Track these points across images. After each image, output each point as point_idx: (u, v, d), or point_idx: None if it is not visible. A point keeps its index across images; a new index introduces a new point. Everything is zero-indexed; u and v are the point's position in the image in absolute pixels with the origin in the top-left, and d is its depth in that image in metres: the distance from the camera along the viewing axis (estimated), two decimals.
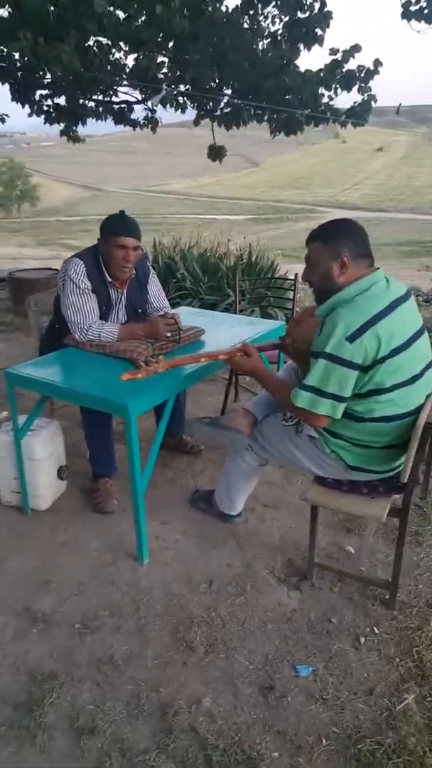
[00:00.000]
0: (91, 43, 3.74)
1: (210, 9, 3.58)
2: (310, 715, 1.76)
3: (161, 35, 3.92)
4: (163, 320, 2.66)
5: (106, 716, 1.75)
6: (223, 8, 3.87)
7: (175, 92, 4.41)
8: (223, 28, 3.81)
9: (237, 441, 2.33)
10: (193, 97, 4.51)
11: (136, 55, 4.18)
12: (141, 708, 1.78)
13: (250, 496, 2.77)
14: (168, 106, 4.40)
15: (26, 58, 3.22)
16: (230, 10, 3.84)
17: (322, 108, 4.53)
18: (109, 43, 3.98)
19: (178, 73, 4.43)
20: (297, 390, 1.91)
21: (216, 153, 4.97)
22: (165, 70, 4.51)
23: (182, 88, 4.50)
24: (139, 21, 3.22)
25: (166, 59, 4.45)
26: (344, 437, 2.01)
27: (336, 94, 4.54)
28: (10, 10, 3.22)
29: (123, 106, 5.18)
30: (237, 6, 3.92)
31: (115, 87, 4.69)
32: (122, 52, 4.27)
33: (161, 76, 4.40)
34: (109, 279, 2.73)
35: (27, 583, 2.29)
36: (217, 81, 4.43)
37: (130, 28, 3.21)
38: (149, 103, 4.60)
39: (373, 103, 4.65)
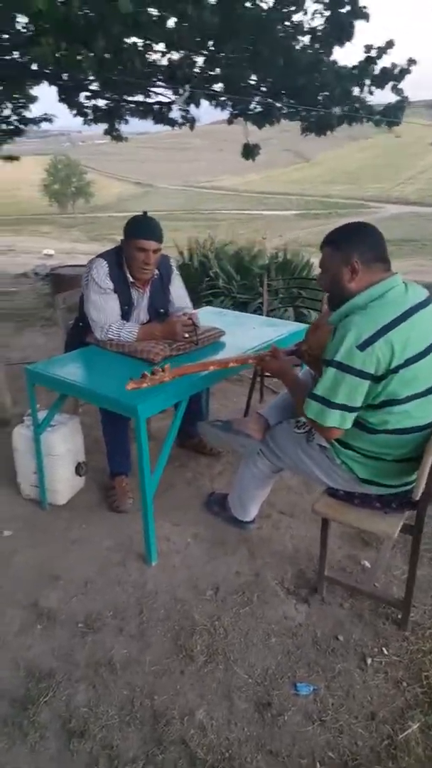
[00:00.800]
0: (127, 44, 3.70)
1: (248, 4, 3.49)
2: (305, 737, 1.70)
3: (197, 36, 3.87)
4: (180, 321, 2.63)
5: (98, 720, 1.73)
6: (264, 5, 3.76)
7: (205, 91, 4.37)
8: (260, 25, 3.72)
9: (247, 446, 2.28)
10: (226, 95, 4.45)
11: (168, 55, 4.16)
12: (134, 715, 1.76)
13: (266, 501, 2.72)
14: (206, 103, 4.39)
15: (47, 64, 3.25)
16: (269, 6, 3.73)
17: (357, 106, 4.39)
18: (143, 44, 3.95)
19: (209, 72, 4.37)
20: (307, 399, 1.85)
21: (249, 152, 4.89)
22: (197, 69, 4.46)
23: (217, 86, 4.45)
24: (171, 21, 3.17)
25: (200, 58, 4.39)
26: (355, 448, 1.93)
27: (370, 92, 4.40)
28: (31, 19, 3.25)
29: (160, 105, 5.18)
30: (275, 3, 3.81)
31: (148, 88, 4.68)
32: (159, 53, 4.24)
33: (194, 75, 4.34)
34: (131, 279, 2.72)
35: (37, 578, 2.31)
36: (251, 80, 4.35)
37: (163, 28, 3.17)
38: (176, 103, 4.58)
39: (406, 103, 4.49)
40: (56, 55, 2.95)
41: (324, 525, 2.14)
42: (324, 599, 2.21)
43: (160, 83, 4.46)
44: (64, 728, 1.72)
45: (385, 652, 1.99)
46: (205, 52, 4.24)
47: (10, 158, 6.59)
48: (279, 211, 54.42)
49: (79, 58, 2.94)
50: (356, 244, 1.83)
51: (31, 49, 3.21)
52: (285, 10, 3.98)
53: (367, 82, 4.30)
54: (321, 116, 4.47)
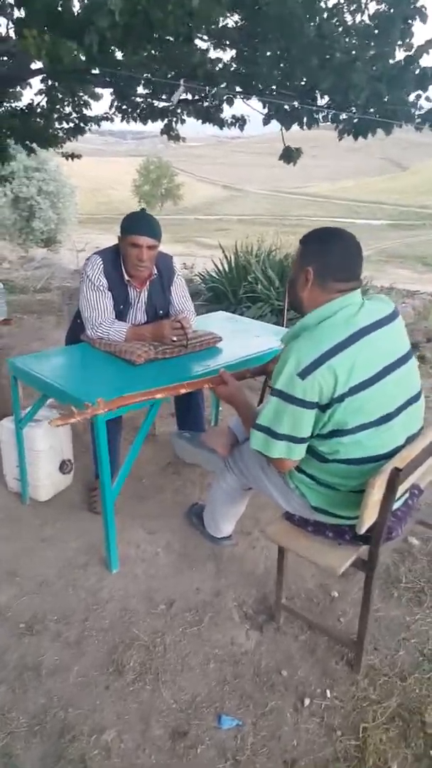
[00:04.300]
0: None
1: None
2: None
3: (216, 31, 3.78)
4: (169, 323, 2.56)
5: (6, 726, 1.69)
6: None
7: (220, 91, 4.27)
8: (288, 25, 3.54)
9: (211, 461, 2.18)
10: (263, 97, 4.31)
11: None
12: (43, 725, 1.70)
13: (252, 518, 2.61)
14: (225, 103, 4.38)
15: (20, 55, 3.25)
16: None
17: (406, 108, 4.08)
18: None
19: (239, 72, 4.24)
20: (252, 429, 1.73)
21: (288, 155, 4.72)
22: (220, 66, 4.34)
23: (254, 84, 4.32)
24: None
25: (228, 55, 4.29)
26: (308, 474, 1.79)
27: (407, 94, 4.09)
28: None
29: (212, 105, 5.12)
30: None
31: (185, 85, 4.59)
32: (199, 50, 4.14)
33: (218, 73, 4.23)
34: (127, 278, 2.68)
35: None
36: (279, 80, 4.17)
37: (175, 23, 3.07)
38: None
39: None
40: (41, 50, 2.95)
41: (281, 550, 2.00)
42: (280, 628, 2.07)
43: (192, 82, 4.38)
44: None
45: (328, 694, 1.82)
46: (225, 50, 4.13)
47: (72, 156, 6.73)
48: (371, 220, 53.21)
49: (63, 52, 2.92)
50: (317, 255, 1.69)
51: (17, 42, 3.24)
52: (326, 12, 3.78)
53: (407, 84, 3.99)
54: (359, 119, 4.23)
